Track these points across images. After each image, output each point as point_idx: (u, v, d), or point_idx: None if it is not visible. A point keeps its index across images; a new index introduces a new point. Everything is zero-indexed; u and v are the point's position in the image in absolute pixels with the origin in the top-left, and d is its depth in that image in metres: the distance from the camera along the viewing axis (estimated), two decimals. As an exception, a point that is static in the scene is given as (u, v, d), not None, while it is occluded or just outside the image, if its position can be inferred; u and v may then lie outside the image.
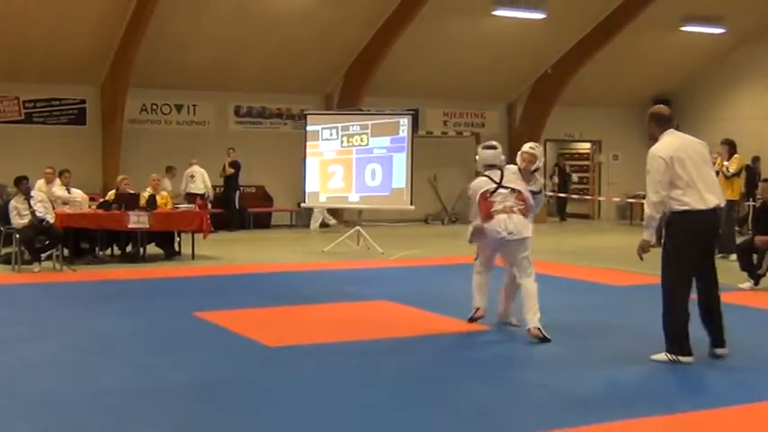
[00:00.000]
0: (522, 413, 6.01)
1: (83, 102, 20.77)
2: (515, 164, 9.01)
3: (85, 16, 18.43)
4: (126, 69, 19.50)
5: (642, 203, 24.48)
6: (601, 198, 26.07)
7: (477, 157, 9.08)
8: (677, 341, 7.06)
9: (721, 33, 23.78)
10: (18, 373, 7.06)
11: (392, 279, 12.81)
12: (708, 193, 7.06)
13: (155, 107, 21.51)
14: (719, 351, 7.26)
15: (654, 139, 7.37)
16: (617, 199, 24.75)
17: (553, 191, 24.77)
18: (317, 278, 13.01)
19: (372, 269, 13.97)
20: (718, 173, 14.58)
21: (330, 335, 8.60)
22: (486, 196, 8.52)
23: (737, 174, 15.16)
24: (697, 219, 7.04)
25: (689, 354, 7.07)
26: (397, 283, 12.41)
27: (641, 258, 7.32)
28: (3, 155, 18.94)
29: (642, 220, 7.49)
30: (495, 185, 8.58)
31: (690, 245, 7.09)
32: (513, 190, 8.56)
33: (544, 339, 8.07)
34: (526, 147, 9.29)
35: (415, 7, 20.25)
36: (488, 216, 8.43)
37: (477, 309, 8.91)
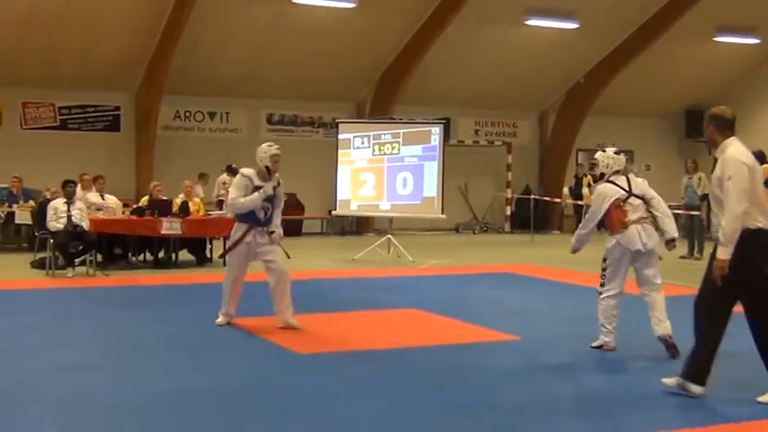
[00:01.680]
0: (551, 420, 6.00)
1: (117, 108, 20.97)
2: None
3: (120, 23, 18.61)
4: (160, 76, 19.67)
5: (676, 214, 24.24)
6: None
7: (598, 158, 8.60)
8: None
9: (755, 44, 23.61)
10: (47, 376, 7.13)
11: (422, 288, 12.81)
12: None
13: (188, 114, 21.67)
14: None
15: (715, 146, 6.55)
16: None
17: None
18: (348, 286, 13.03)
19: (403, 277, 13.97)
20: None
21: (360, 343, 8.61)
22: (619, 204, 8.06)
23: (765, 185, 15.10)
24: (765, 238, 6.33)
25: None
26: (427, 291, 12.40)
27: (719, 282, 6.25)
28: (38, 161, 19.15)
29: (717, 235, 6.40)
30: (626, 193, 8.12)
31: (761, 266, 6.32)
32: (642, 199, 8.11)
33: (673, 347, 7.79)
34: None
35: (447, 16, 20.26)
36: (623, 225, 7.97)
37: (607, 342, 8.17)
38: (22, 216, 16.24)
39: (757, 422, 6.03)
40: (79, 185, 15.43)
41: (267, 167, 9.38)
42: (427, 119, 18.77)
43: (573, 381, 7.28)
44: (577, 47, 22.49)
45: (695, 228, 17.83)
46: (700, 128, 25.89)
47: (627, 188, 8.14)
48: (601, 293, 8.24)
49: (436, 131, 16.69)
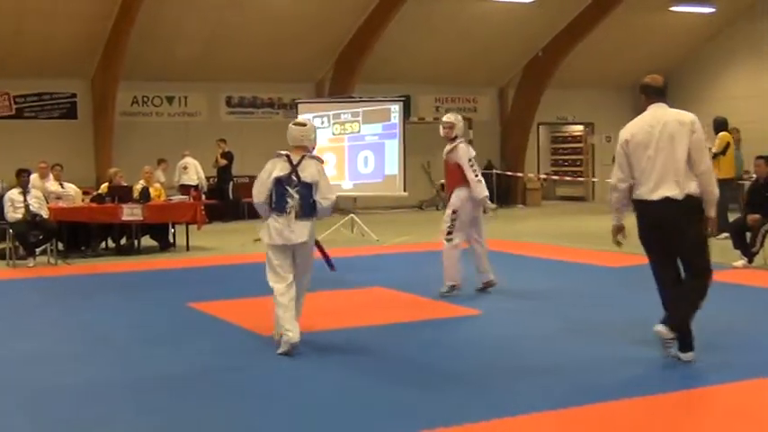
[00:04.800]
0: (512, 394, 6.04)
1: (74, 96, 20.78)
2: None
3: (75, 10, 18.40)
4: (116, 62, 19.49)
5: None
6: (594, 179, 26.09)
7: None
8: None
9: (711, 13, 23.78)
10: (13, 367, 7.07)
11: (387, 266, 12.83)
12: (663, 183, 6.42)
13: (146, 99, 21.52)
14: (683, 356, 6.59)
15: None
16: (611, 180, 24.70)
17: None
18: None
19: (367, 256, 13.98)
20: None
21: (325, 322, 8.60)
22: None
23: (722, 153, 15.23)
24: (646, 209, 6.55)
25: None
26: (392, 269, 12.43)
27: (617, 245, 6.87)
28: (-5, 150, 18.94)
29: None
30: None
31: (644, 236, 6.64)
32: None
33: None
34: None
35: (404, -7, 20.25)
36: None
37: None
38: (-20, 207, 16.02)
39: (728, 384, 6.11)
40: (36, 174, 15.26)
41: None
42: (387, 97, 18.73)
43: (539, 351, 7.31)
44: (534, 20, 22.55)
45: None
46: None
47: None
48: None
49: (396, 109, 16.68)
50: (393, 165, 16.61)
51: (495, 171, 23.44)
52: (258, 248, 11.79)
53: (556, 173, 27.10)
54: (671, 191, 6.41)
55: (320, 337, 7.91)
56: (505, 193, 24.41)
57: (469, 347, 7.53)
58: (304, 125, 7.54)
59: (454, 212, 9.80)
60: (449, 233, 9.81)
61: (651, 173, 6.48)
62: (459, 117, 10.22)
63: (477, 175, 9.78)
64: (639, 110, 6.89)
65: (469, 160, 9.82)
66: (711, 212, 6.50)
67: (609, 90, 26.07)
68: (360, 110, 16.98)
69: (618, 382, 6.25)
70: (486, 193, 9.90)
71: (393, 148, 16.59)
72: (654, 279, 6.76)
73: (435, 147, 23.74)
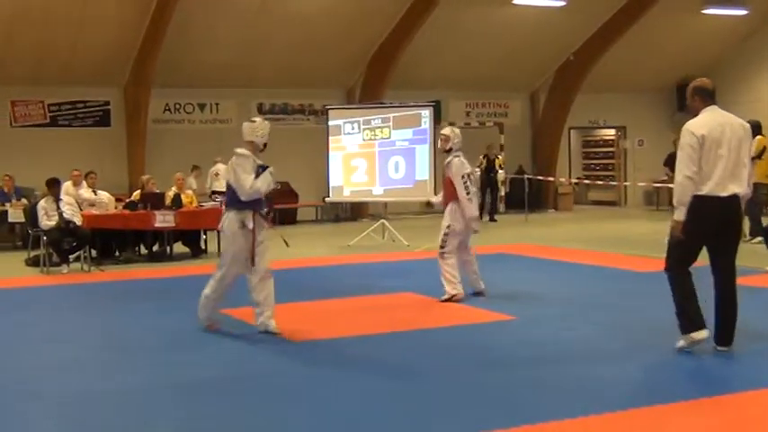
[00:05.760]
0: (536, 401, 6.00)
1: (107, 103, 20.92)
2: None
3: (107, 19, 18.55)
4: (148, 70, 19.62)
5: (669, 188, 24.16)
6: (626, 184, 25.91)
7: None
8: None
9: (743, 15, 23.58)
10: (45, 373, 7.13)
11: (417, 271, 12.80)
12: (730, 181, 6.72)
13: (178, 107, 21.63)
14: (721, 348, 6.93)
15: (695, 115, 6.94)
16: (643, 184, 24.59)
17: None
18: (343, 272, 13.02)
19: (398, 262, 13.98)
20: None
21: (356, 328, 8.61)
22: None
23: (759, 156, 15.07)
24: (712, 205, 6.71)
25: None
26: (423, 275, 12.37)
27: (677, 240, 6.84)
28: (29, 158, 19.11)
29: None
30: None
31: (701, 231, 6.77)
32: None
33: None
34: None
35: (433, -1, 20.24)
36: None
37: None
38: (15, 214, 16.19)
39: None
40: (70, 181, 15.41)
41: (265, 144, 8.78)
42: (418, 102, 18.73)
43: (575, 356, 7.27)
44: (565, 24, 22.45)
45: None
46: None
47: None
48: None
49: (426, 114, 16.68)
50: (424, 170, 16.60)
51: (526, 176, 23.32)
52: (289, 253, 11.83)
53: (587, 177, 26.94)
54: (738, 188, 6.77)
55: (351, 343, 7.92)
56: (537, 197, 24.31)
57: (504, 353, 7.49)
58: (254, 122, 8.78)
59: (448, 227, 9.99)
60: (442, 246, 10.01)
61: (723, 170, 6.71)
62: (457, 130, 10.32)
63: (468, 193, 9.90)
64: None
65: (462, 177, 9.91)
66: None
67: (641, 94, 25.90)
68: (390, 115, 16.99)
69: (656, 386, 6.20)
70: (476, 213, 10.03)
71: (424, 154, 16.58)
72: (676, 280, 6.90)
73: (466, 151, 23.72)
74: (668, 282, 7.00)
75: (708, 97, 6.94)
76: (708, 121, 6.81)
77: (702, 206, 6.70)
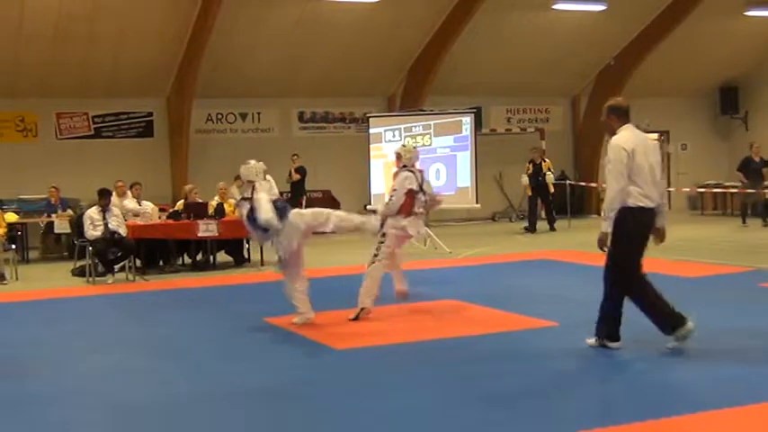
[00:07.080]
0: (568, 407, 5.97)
1: (150, 114, 21.11)
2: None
3: (149, 31, 18.74)
4: (190, 81, 19.78)
5: (714, 193, 23.95)
6: (671, 189, 25.67)
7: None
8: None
9: (788, 16, 23.30)
10: (93, 382, 7.21)
11: (460, 278, 12.79)
12: (654, 192, 7.26)
13: (220, 116, 21.78)
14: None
15: (612, 133, 7.43)
16: (687, 189, 24.36)
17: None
18: (385, 279, 12.98)
19: (440, 269, 13.96)
20: None
21: (399, 336, 8.61)
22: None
23: None
24: (644, 215, 7.24)
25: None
26: (466, 282, 12.39)
27: (603, 251, 7.47)
28: (74, 169, 19.35)
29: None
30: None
31: (643, 238, 7.36)
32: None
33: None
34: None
35: (473, 4, 20.17)
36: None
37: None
38: (61, 225, 16.40)
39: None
40: (114, 192, 15.57)
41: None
42: (458, 109, 18.71)
43: (619, 362, 7.22)
44: (606, 29, 22.32)
45: None
46: (735, 105, 25.71)
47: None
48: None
49: (467, 121, 16.67)
50: (465, 177, 16.58)
51: (568, 181, 23.19)
52: (333, 260, 11.86)
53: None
54: (660, 199, 7.34)
55: (395, 350, 7.92)
56: (579, 203, 24.15)
57: (550, 359, 7.46)
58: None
59: (383, 235, 10.08)
60: (375, 255, 10.12)
61: (650, 183, 7.21)
62: (409, 146, 10.78)
63: (387, 202, 10.04)
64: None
65: (396, 189, 10.01)
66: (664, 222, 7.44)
67: (683, 97, 25.65)
68: (431, 122, 17.00)
69: (702, 392, 6.14)
70: (374, 227, 9.99)
71: (465, 161, 16.57)
72: (621, 285, 7.51)
73: (507, 158, 23.68)
74: (634, 302, 7.47)
75: (623, 115, 7.49)
76: (630, 137, 7.30)
77: (643, 216, 7.21)
